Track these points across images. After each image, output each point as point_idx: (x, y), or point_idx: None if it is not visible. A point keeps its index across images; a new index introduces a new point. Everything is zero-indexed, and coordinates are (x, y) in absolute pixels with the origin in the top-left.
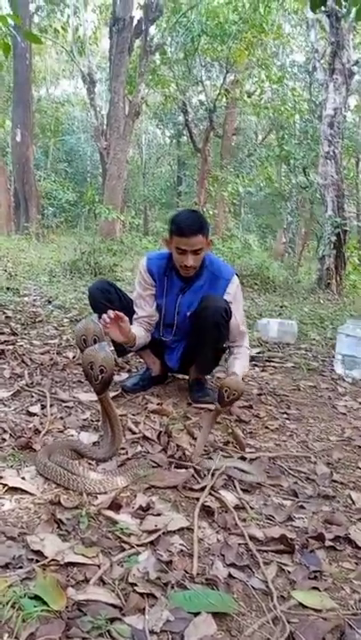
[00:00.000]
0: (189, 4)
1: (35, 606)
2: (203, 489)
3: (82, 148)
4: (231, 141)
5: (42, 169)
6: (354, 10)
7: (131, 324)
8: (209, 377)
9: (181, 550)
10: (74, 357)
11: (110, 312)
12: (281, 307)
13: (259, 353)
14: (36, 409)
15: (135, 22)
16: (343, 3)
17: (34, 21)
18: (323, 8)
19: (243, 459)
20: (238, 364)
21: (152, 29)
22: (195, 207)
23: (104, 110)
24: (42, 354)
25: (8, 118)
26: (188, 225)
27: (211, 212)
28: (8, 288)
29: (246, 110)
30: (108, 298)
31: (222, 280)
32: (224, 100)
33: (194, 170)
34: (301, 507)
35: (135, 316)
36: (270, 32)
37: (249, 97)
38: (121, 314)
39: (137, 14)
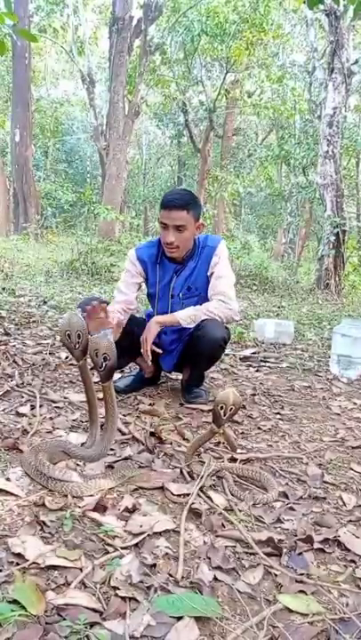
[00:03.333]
0: (189, 4)
1: (12, 610)
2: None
3: (81, 149)
4: (231, 141)
5: (41, 169)
6: (351, 8)
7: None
8: None
9: (167, 553)
10: (66, 358)
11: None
12: (279, 307)
13: (254, 353)
14: (25, 409)
15: (135, 22)
16: (341, 1)
17: (33, 21)
18: (321, 6)
19: (233, 460)
20: (186, 309)
21: (152, 29)
22: None
23: (104, 110)
24: (34, 354)
25: (7, 119)
26: (173, 198)
27: (211, 213)
28: (3, 288)
29: (246, 110)
30: None
31: (209, 248)
32: (224, 100)
33: (194, 170)
34: (291, 508)
35: (113, 302)
36: (270, 31)
37: (249, 97)
38: (101, 304)
39: (137, 14)
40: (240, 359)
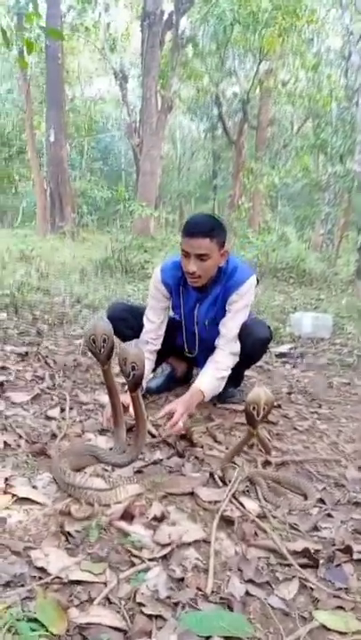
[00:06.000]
0: None
1: (32, 630)
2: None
3: (116, 146)
4: (266, 132)
5: (77, 168)
6: None
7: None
8: None
9: (196, 565)
10: None
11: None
12: (317, 300)
13: (291, 349)
14: (54, 413)
15: (166, 16)
16: None
17: (66, 20)
18: None
19: (267, 463)
20: (206, 376)
21: (183, 21)
22: (229, 201)
23: (137, 107)
24: (66, 355)
25: (43, 120)
26: (195, 225)
27: (246, 206)
28: (38, 288)
29: (281, 100)
30: (127, 325)
31: (234, 282)
32: (258, 90)
33: (229, 163)
34: (329, 515)
35: (143, 332)
36: (303, 17)
37: (283, 86)
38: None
39: (168, 7)
40: (276, 355)
